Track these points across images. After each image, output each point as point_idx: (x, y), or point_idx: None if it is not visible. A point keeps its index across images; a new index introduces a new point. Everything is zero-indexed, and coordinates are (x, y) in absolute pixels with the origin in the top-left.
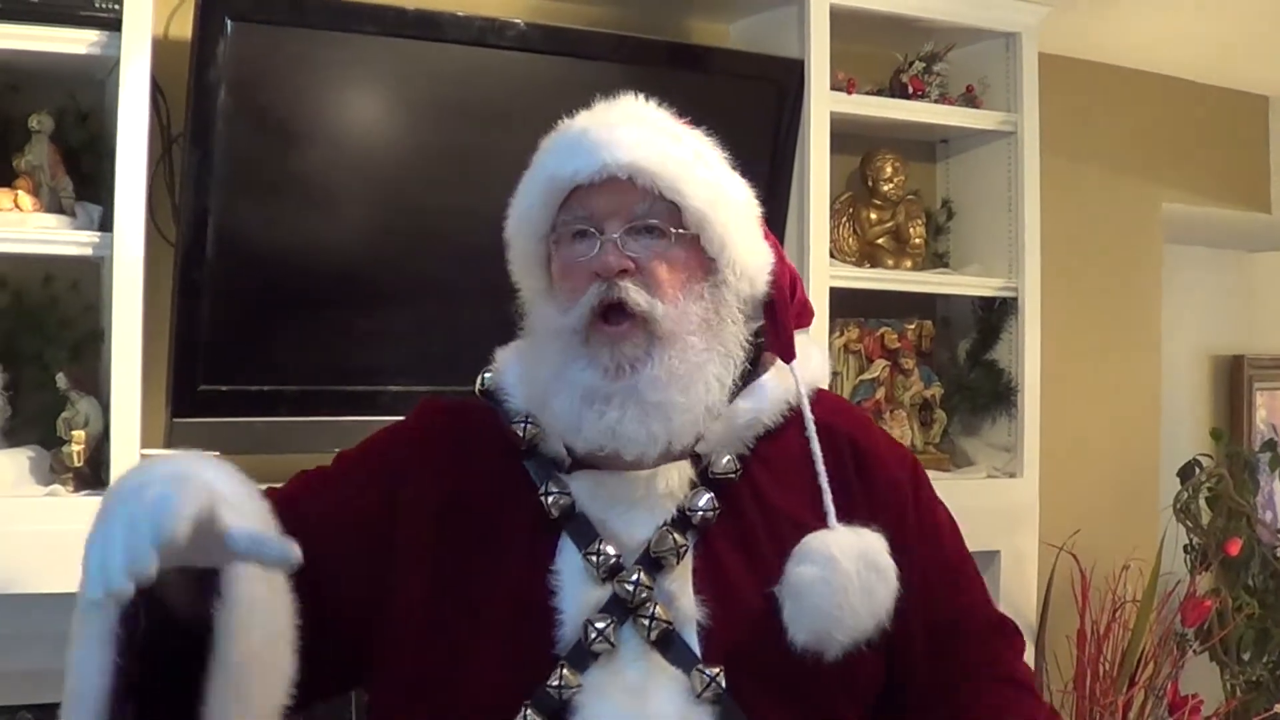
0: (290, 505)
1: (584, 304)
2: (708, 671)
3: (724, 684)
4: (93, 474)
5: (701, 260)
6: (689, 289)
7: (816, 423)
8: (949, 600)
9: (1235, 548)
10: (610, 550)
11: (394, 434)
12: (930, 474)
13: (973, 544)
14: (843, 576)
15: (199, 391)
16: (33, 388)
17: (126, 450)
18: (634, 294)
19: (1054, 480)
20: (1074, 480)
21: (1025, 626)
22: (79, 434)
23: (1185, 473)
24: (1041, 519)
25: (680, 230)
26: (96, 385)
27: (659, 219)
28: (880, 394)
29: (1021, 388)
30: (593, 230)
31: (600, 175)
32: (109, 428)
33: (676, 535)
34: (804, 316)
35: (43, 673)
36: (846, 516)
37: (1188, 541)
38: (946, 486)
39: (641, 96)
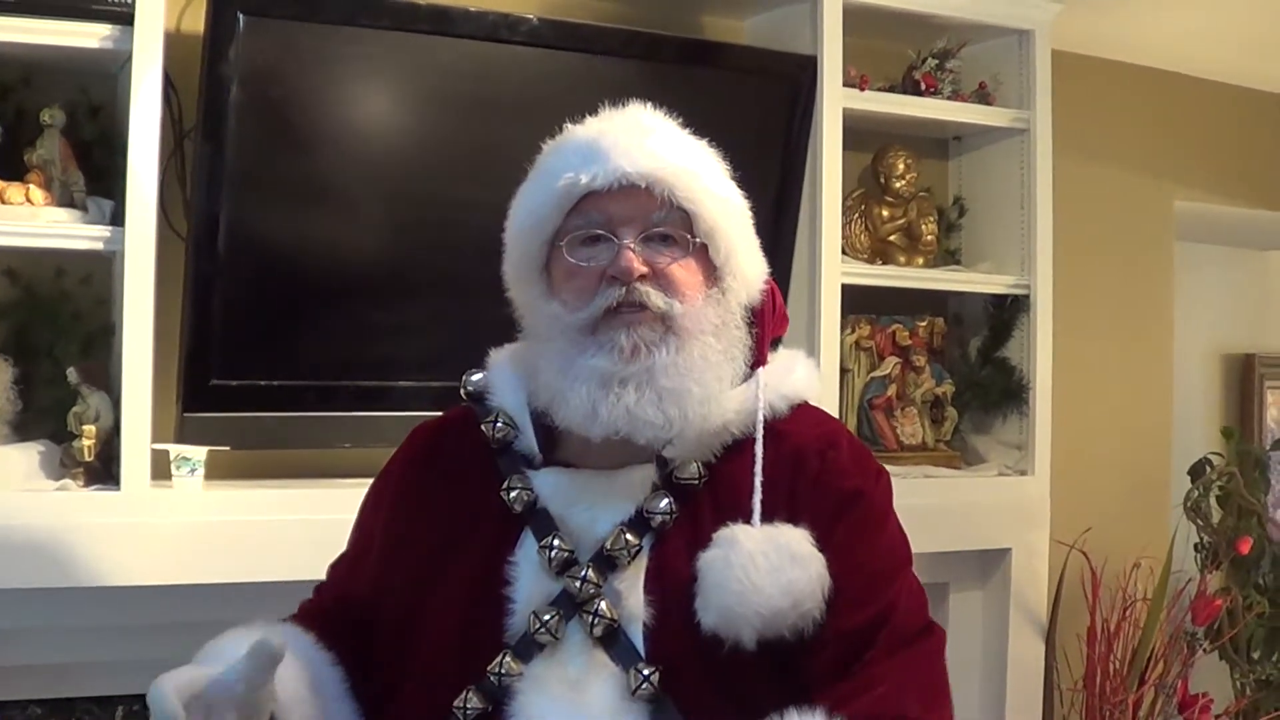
0: (346, 592)
1: (598, 303)
2: (643, 670)
3: (657, 683)
4: (103, 468)
5: (709, 268)
6: (703, 293)
7: (790, 433)
8: (848, 604)
9: (1246, 546)
10: (562, 544)
11: (385, 469)
12: (941, 472)
13: (984, 541)
14: (742, 554)
15: (210, 386)
16: (44, 382)
17: (137, 445)
18: (654, 296)
19: (1065, 478)
20: (1085, 478)
21: (1036, 624)
22: (90, 428)
23: (1196, 471)
24: (1052, 517)
25: (693, 239)
26: (107, 380)
27: (673, 227)
28: (891, 391)
29: (1033, 385)
30: (608, 235)
31: (618, 182)
32: (120, 422)
33: (630, 535)
34: (780, 325)
35: (52, 667)
36: (809, 523)
37: (1198, 540)
38: (957, 484)
39: (649, 104)
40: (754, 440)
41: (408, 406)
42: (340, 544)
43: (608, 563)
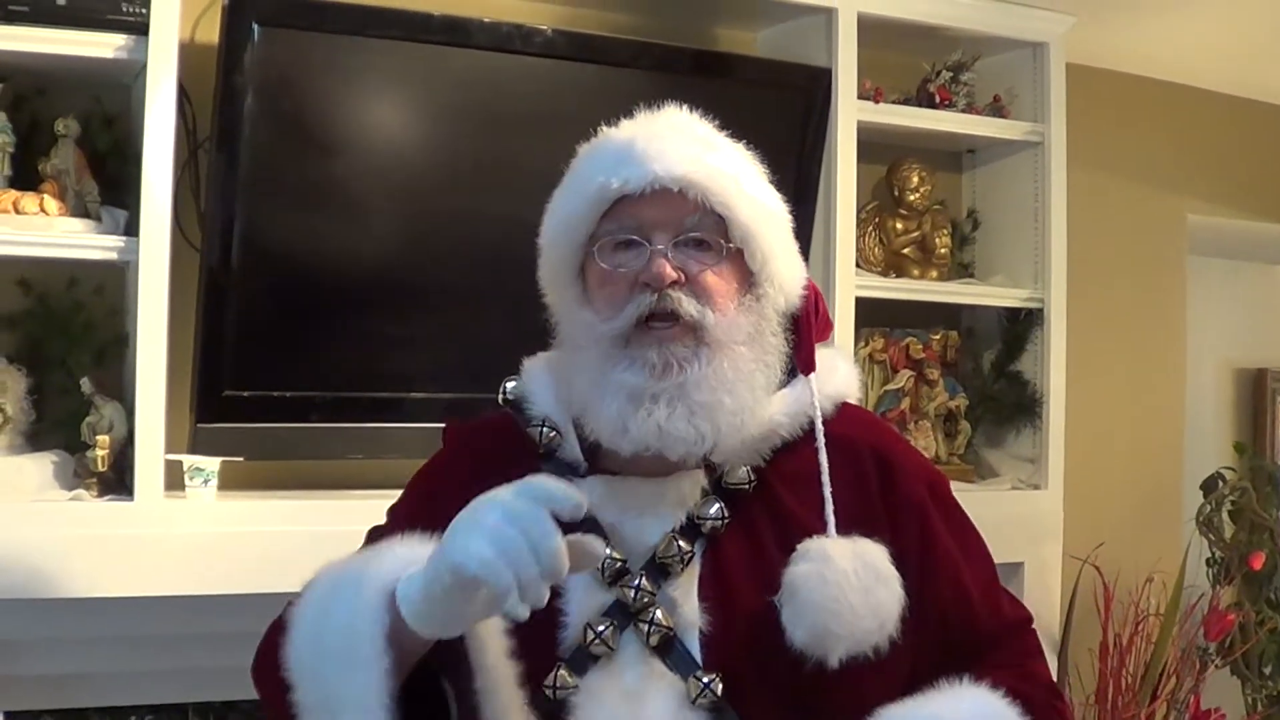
0: None
1: (630, 312)
2: (703, 678)
3: (719, 690)
4: (116, 479)
5: (744, 274)
6: (737, 301)
7: (840, 436)
8: (968, 610)
9: (1258, 561)
10: (615, 554)
11: (425, 469)
12: (954, 485)
13: (996, 555)
14: (838, 573)
15: (223, 397)
16: (57, 392)
17: (151, 455)
18: (686, 304)
19: (1078, 492)
20: (1098, 492)
21: (1048, 639)
22: (103, 439)
23: (1208, 486)
24: (1065, 531)
25: (727, 244)
26: (121, 390)
27: (708, 232)
28: (905, 404)
29: (1046, 399)
30: (641, 240)
31: (651, 186)
32: (133, 432)
33: (682, 542)
34: (824, 331)
35: (64, 677)
36: (866, 528)
37: (1211, 555)
38: (970, 498)
39: (685, 108)
40: (803, 442)
41: (420, 418)
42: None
43: (660, 571)
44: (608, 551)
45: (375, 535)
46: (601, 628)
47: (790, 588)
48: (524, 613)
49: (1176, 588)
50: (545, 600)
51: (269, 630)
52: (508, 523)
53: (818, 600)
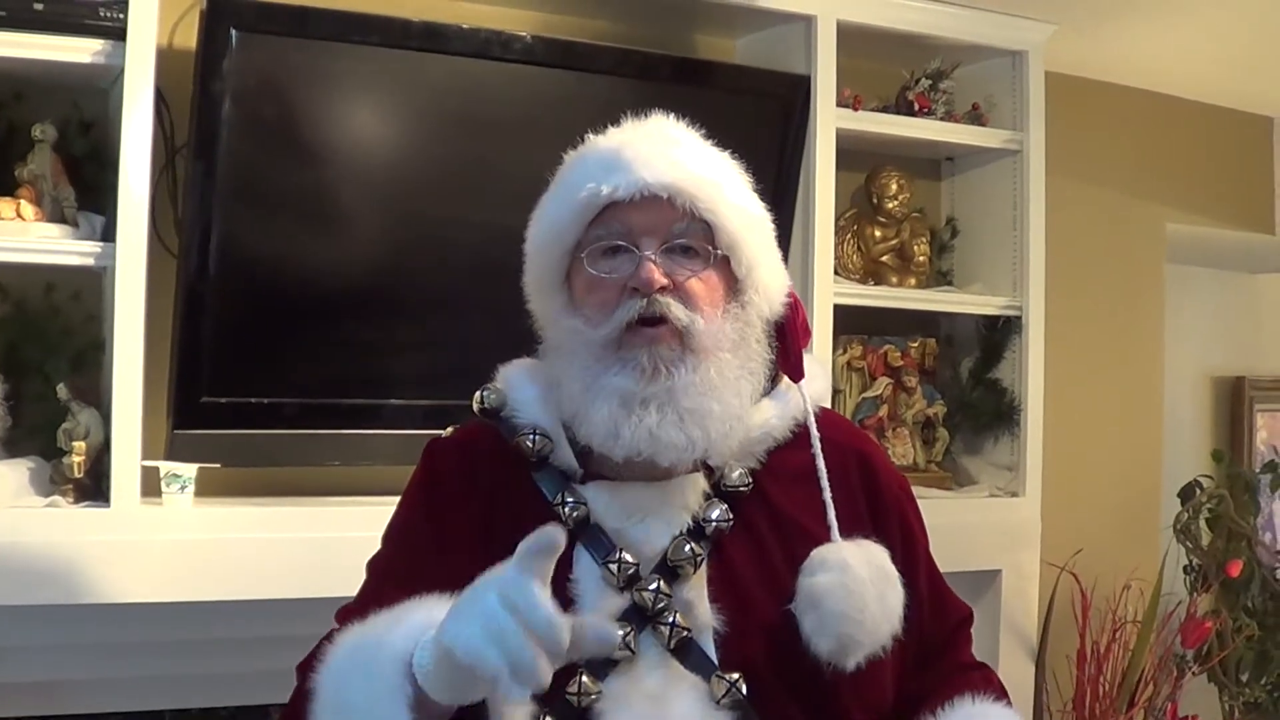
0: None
1: (619, 317)
2: (728, 677)
3: (744, 690)
4: (93, 485)
5: (730, 281)
6: (723, 308)
7: (824, 439)
8: (941, 602)
9: (1236, 569)
10: (629, 559)
11: (412, 492)
12: (932, 492)
13: (974, 563)
14: (858, 582)
15: (201, 403)
16: (33, 398)
17: (127, 461)
18: (675, 309)
19: (1056, 500)
20: (1076, 500)
21: (1026, 645)
22: (80, 445)
23: (1186, 493)
24: (1043, 538)
25: (714, 251)
26: (98, 396)
27: (695, 239)
28: (883, 412)
29: (1024, 407)
30: (629, 246)
31: (639, 193)
32: (110, 439)
33: (693, 544)
34: (805, 337)
35: (41, 684)
36: (851, 525)
37: (1188, 562)
38: (948, 505)
39: (671, 116)
40: (791, 445)
41: (398, 425)
42: (331, 562)
43: (671, 573)
44: (619, 636)
45: (376, 567)
46: (622, 632)
47: (812, 599)
48: (521, 695)
49: (1154, 595)
50: (547, 683)
51: (294, 696)
52: (502, 604)
53: (842, 611)
